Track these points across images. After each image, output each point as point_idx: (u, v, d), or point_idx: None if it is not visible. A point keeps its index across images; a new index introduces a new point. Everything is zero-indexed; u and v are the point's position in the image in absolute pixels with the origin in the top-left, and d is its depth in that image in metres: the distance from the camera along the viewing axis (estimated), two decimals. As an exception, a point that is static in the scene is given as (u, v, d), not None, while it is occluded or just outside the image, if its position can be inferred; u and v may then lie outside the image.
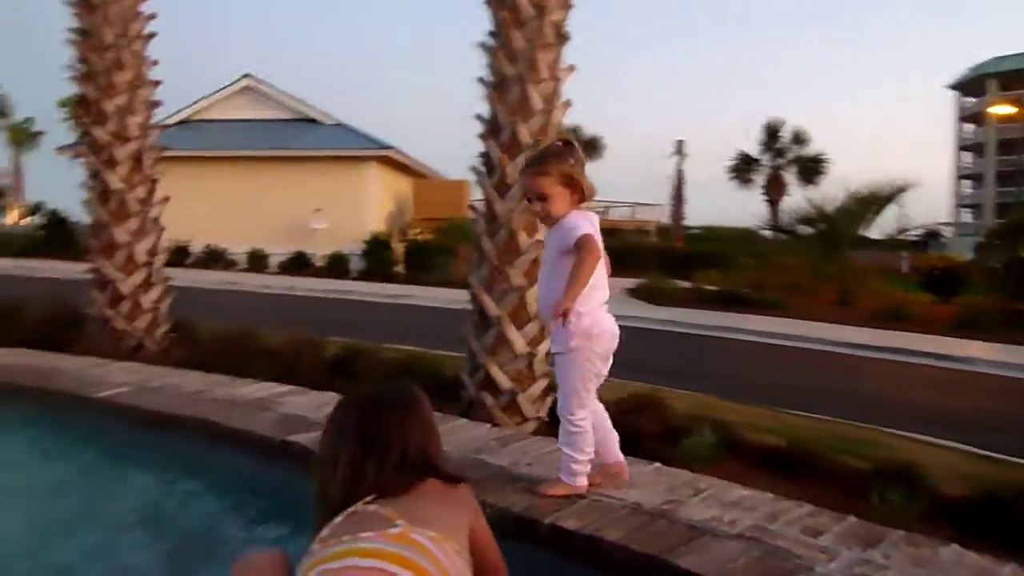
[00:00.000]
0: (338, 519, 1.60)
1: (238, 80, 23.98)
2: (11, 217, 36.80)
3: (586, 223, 2.76)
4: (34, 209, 34.61)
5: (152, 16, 6.19)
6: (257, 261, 20.57)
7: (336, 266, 19.96)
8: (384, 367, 5.43)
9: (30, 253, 21.27)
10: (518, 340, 4.38)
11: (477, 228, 4.63)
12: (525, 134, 4.34)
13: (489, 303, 4.43)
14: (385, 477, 1.66)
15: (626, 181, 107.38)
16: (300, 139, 22.61)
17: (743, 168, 38.99)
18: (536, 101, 4.35)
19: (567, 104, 4.52)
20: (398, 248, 20.44)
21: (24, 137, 33.13)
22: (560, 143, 2.86)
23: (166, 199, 6.35)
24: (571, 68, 4.53)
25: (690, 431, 4.17)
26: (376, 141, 22.54)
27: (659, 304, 15.36)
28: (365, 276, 19.28)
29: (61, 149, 23.26)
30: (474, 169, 4.64)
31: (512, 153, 4.39)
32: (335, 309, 13.61)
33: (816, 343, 11.78)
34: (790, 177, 37.75)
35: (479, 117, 4.58)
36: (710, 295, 16.35)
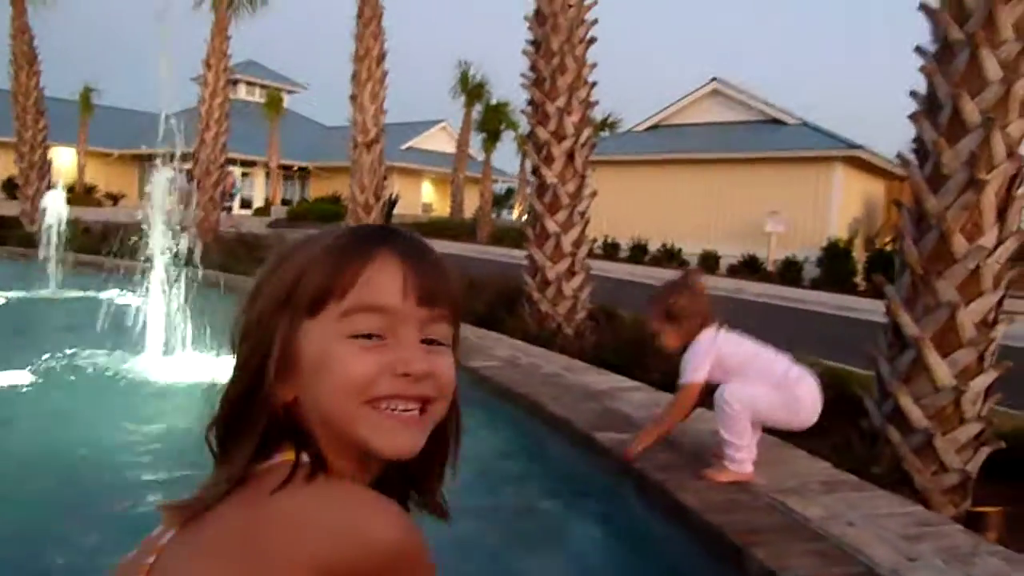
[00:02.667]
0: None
1: (706, 84, 24.42)
2: (516, 213, 43.70)
3: (702, 370, 2.88)
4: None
5: (595, 22, 6.57)
6: (709, 262, 20.70)
7: (788, 272, 18.98)
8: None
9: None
10: (941, 369, 3.52)
11: (901, 229, 3.85)
12: (971, 111, 3.43)
13: (907, 320, 3.64)
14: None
15: None
16: (761, 140, 22.08)
17: None
18: (991, 69, 3.40)
19: (1040, 70, 3.45)
20: (860, 257, 18.57)
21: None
22: (679, 276, 3.11)
23: (594, 194, 6.70)
24: (1051, 22, 3.44)
25: None
26: (842, 140, 20.79)
27: None
28: (820, 285, 17.97)
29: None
30: (901, 157, 3.86)
31: (952, 136, 3.52)
32: (777, 316, 12.95)
33: None
34: None
35: (913, 94, 3.78)
36: None
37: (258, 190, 38.46)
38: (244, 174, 37.37)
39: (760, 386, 2.86)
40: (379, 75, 10.12)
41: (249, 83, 41.56)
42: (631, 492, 2.76)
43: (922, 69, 3.67)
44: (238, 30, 17.16)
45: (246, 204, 37.03)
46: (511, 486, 3.16)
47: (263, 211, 34.26)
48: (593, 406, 3.72)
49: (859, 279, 17.84)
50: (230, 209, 22.90)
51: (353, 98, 10.05)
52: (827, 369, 5.70)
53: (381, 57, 10.13)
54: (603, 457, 3.00)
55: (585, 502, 2.86)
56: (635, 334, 6.17)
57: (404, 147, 39.05)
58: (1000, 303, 3.55)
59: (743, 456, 2.83)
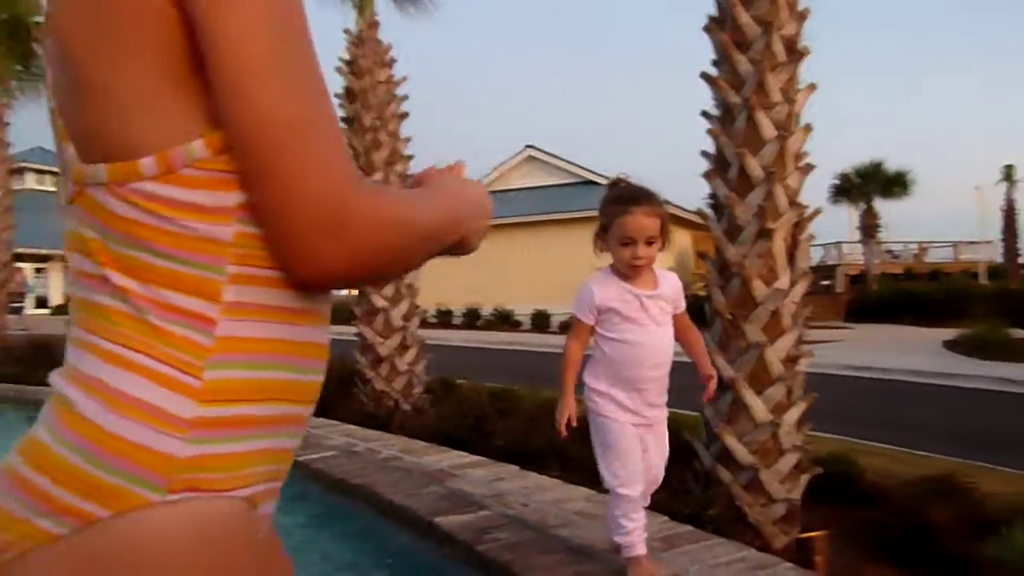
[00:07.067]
0: None
1: (520, 152, 25.53)
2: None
3: None
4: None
5: (405, 98, 6.64)
6: (541, 321, 21.27)
7: (615, 324, 19.91)
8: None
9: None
10: (758, 406, 3.74)
11: (708, 278, 4.11)
12: (754, 167, 3.77)
13: (723, 363, 3.85)
14: None
15: (948, 218, 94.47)
16: (578, 201, 23.24)
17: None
18: (767, 129, 3.77)
19: (807, 128, 3.86)
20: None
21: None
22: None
23: (420, 266, 6.65)
24: (811, 87, 3.88)
25: (1004, 528, 3.18)
26: (651, 196, 22.37)
27: (989, 359, 12.89)
28: (644, 333, 18.97)
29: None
30: (700, 212, 4.15)
31: (741, 191, 3.84)
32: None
33: None
34: None
35: (704, 154, 4.11)
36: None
37: (55, 286, 35.09)
38: (38, 270, 34.02)
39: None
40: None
41: (39, 171, 38.28)
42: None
43: (709, 131, 4.00)
44: (25, 117, 15.84)
45: (42, 303, 33.65)
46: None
47: (62, 309, 31.25)
48: (434, 489, 3.59)
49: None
50: (20, 310, 20.76)
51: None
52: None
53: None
54: (446, 544, 2.88)
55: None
56: (475, 403, 6.12)
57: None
58: (800, 339, 3.86)
59: (636, 538, 2.55)
